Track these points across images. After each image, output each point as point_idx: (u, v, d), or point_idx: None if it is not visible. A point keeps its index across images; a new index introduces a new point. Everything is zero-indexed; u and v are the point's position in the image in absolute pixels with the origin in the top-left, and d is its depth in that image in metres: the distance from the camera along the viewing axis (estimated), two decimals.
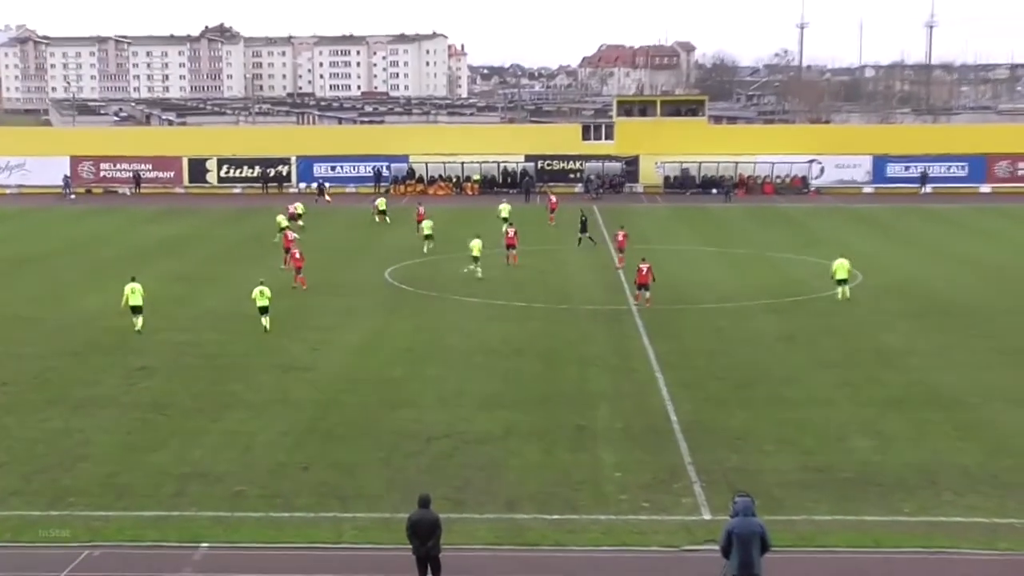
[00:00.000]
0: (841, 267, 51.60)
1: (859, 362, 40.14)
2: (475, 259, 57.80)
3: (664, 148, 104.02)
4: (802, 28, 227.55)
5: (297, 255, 55.60)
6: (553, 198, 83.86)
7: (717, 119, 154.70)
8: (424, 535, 21.82)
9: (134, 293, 45.55)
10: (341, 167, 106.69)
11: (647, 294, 50.04)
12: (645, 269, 50.38)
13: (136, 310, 45.35)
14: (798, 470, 28.95)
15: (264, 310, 45.02)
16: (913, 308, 49.76)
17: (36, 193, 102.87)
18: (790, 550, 23.53)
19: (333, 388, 36.94)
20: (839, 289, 51.37)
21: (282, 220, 70.49)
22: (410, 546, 21.97)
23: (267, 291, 45.41)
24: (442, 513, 25.37)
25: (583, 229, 68.79)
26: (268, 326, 44.87)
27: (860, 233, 74.27)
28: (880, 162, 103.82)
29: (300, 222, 74.56)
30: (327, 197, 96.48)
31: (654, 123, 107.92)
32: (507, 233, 62.87)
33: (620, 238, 62.19)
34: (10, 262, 63.81)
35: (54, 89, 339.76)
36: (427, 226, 67.42)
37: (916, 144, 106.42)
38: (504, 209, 74.17)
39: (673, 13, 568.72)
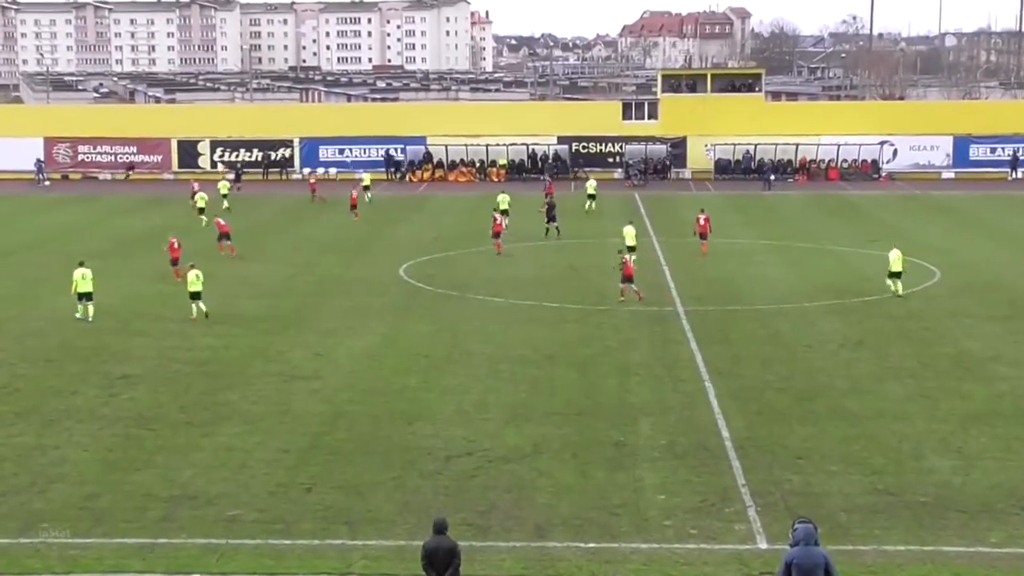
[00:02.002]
0: (897, 259, 51.91)
1: (936, 371, 40.00)
2: (630, 249, 56.80)
3: (715, 128, 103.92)
4: None
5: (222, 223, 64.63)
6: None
7: (775, 95, 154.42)
8: (441, 566, 21.81)
9: (84, 279, 48.32)
10: (350, 150, 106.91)
11: (633, 287, 50.70)
12: (631, 260, 51.94)
13: (85, 296, 48.28)
14: (866, 493, 28.86)
15: (196, 295, 47.97)
16: (998, 310, 49.57)
17: (5, 179, 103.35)
18: None
19: (340, 399, 37.03)
20: (891, 283, 51.78)
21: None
22: None
23: (201, 275, 48.22)
24: (463, 540, 25.45)
25: (550, 218, 69.90)
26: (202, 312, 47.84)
27: (938, 225, 74.10)
28: (962, 143, 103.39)
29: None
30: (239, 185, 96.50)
31: (703, 100, 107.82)
32: (495, 220, 65.19)
33: (701, 222, 63.02)
34: None
35: (25, 62, 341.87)
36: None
37: (1004, 122, 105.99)
38: (503, 200, 74.13)
39: None
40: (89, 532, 26.49)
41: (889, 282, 51.90)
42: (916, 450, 31.97)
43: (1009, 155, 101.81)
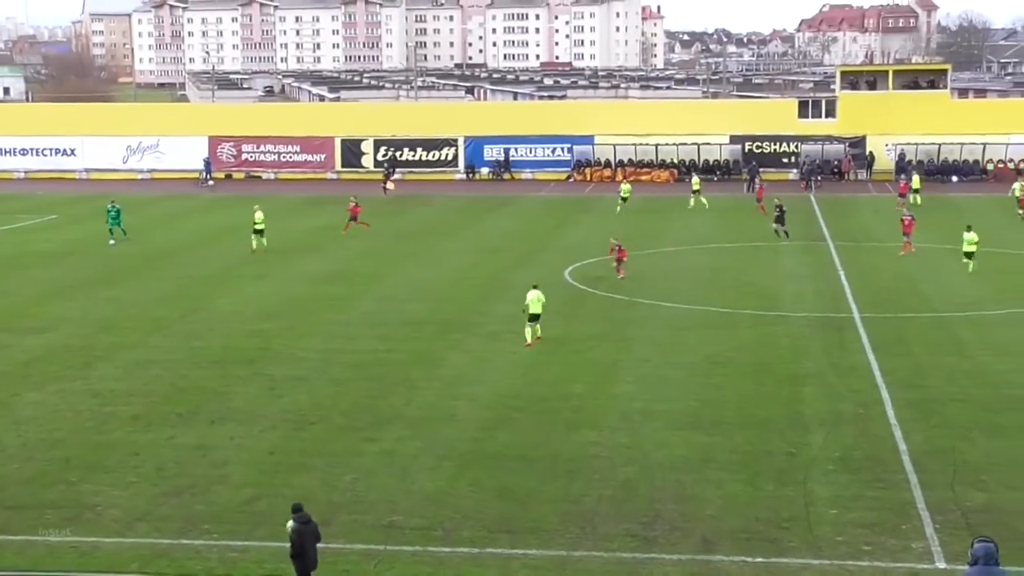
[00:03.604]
0: (969, 240, 56.62)
1: None
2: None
3: (897, 127, 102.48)
4: None
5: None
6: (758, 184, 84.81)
7: (963, 92, 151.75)
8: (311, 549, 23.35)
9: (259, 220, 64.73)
10: (516, 149, 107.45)
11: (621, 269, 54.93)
12: (616, 247, 55.91)
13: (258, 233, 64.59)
14: None
15: (537, 318, 44.54)
16: None
17: (171, 178, 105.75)
18: None
19: (503, 405, 37.26)
20: (966, 263, 56.98)
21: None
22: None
23: (540, 296, 44.53)
24: (627, 552, 25.67)
25: (779, 220, 69.76)
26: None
27: None
28: None
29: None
30: (390, 185, 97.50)
31: (885, 97, 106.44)
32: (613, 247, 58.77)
33: (906, 222, 63.55)
34: (140, 257, 65.75)
35: (192, 60, 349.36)
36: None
37: None
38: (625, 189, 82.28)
39: None
40: (249, 535, 26.99)
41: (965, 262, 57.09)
42: None
43: None
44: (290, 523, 23.40)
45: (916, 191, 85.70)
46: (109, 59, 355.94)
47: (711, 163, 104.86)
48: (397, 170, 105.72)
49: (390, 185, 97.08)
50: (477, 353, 43.79)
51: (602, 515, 28.16)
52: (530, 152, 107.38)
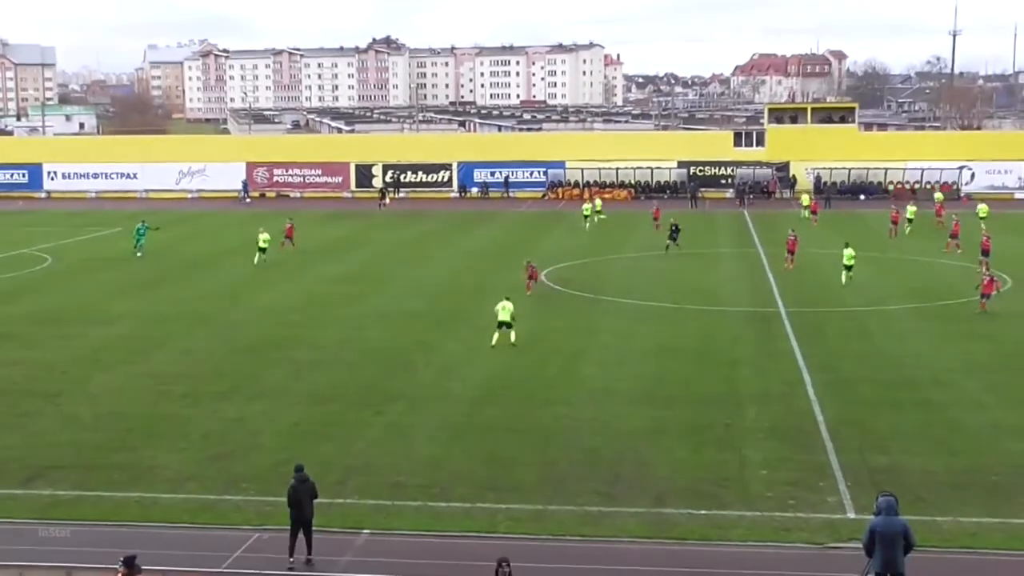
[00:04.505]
0: (848, 255, 54.94)
1: (1011, 366, 39.04)
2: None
3: (815, 155, 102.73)
4: (954, 35, 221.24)
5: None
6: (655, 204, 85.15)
7: (868, 126, 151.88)
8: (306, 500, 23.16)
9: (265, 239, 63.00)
10: (500, 172, 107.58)
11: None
12: (530, 267, 53.97)
13: (262, 251, 62.56)
14: (944, 471, 28.28)
15: (506, 325, 42.41)
16: None
17: (214, 197, 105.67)
18: (935, 550, 23.01)
19: (489, 385, 37.15)
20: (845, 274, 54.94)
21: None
22: None
23: (509, 306, 42.63)
24: (593, 507, 25.67)
25: (673, 237, 66.82)
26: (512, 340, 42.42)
27: (1011, 239, 72.02)
28: None
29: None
30: (387, 201, 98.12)
31: (805, 130, 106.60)
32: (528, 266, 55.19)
33: (791, 240, 61.57)
34: (188, 262, 65.57)
35: (232, 100, 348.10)
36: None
37: None
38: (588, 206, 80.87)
39: (825, 22, 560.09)
40: (280, 492, 26.58)
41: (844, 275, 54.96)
42: (991, 434, 31.27)
43: None
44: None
45: (806, 207, 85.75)
46: (165, 99, 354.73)
47: (662, 184, 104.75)
48: (402, 190, 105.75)
49: (387, 200, 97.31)
50: (468, 342, 43.65)
51: (572, 476, 28.08)
52: (512, 175, 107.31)
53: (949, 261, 62.71)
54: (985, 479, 27.70)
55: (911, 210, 76.05)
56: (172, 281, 58.74)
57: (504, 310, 42.33)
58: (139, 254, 67.64)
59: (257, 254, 63.39)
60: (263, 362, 40.54)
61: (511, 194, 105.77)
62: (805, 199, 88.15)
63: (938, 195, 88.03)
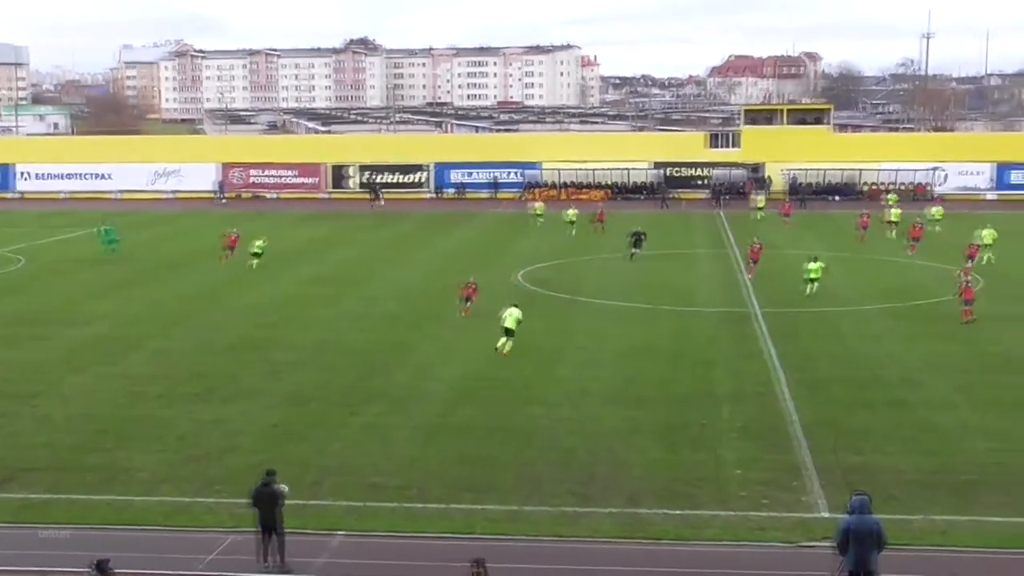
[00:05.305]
0: (815, 269, 52.53)
1: (981, 366, 39.32)
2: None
3: (789, 156, 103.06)
4: (927, 38, 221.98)
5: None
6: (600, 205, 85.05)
7: (842, 127, 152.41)
8: (266, 506, 22.98)
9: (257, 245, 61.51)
10: (477, 173, 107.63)
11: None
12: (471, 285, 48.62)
13: (256, 256, 60.98)
14: (916, 471, 28.47)
15: (509, 332, 41.31)
16: None
17: (190, 198, 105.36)
18: (907, 548, 23.17)
19: (466, 386, 37.19)
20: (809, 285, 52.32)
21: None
22: None
23: (516, 313, 41.65)
24: (569, 507, 25.75)
25: (636, 244, 64.64)
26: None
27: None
28: (1003, 170, 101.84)
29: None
30: (381, 201, 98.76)
31: (779, 131, 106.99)
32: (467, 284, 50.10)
33: (755, 248, 59.98)
34: (164, 263, 65.37)
35: (208, 100, 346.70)
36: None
37: None
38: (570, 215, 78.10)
39: (800, 24, 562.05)
40: None
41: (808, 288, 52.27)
42: (961, 434, 31.50)
43: None
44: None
45: (761, 208, 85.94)
46: (140, 99, 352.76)
47: (638, 184, 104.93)
48: (372, 192, 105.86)
49: (381, 200, 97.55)
50: (444, 343, 43.70)
51: (548, 476, 28.17)
52: (488, 175, 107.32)
53: (921, 262, 63.00)
54: (955, 478, 27.91)
55: (895, 212, 75.80)
56: (147, 282, 58.57)
57: (510, 316, 41.46)
58: (114, 254, 67.29)
59: (252, 260, 62.24)
60: (240, 363, 40.47)
61: (497, 195, 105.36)
62: (760, 200, 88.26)
63: (892, 196, 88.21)
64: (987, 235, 62.12)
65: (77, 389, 37.03)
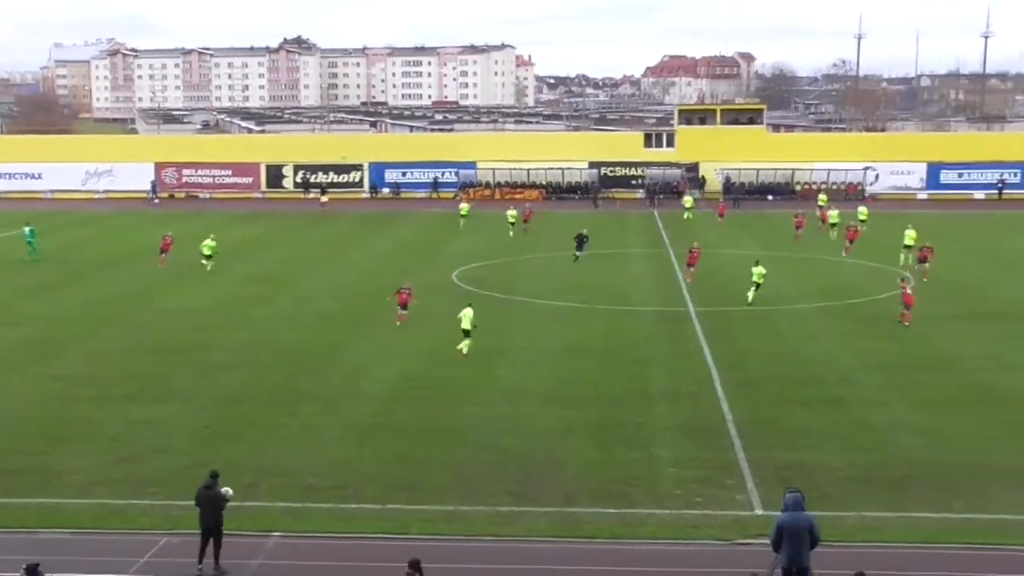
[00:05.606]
0: (758, 273, 50.95)
1: (914, 364, 39.76)
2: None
3: (724, 156, 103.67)
4: (859, 39, 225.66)
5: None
6: (527, 205, 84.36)
7: (776, 127, 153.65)
8: (208, 508, 22.88)
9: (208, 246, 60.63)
10: (412, 173, 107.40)
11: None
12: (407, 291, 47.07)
13: (207, 258, 60.09)
14: (850, 468, 28.74)
15: (466, 333, 41.23)
16: (965, 311, 49.22)
17: (123, 198, 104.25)
18: (839, 544, 23.37)
19: (401, 385, 37.11)
20: (750, 294, 50.73)
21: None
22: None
23: (469, 313, 41.56)
24: (505, 507, 25.70)
25: (579, 246, 63.85)
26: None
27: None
28: (934, 169, 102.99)
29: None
30: (324, 199, 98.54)
31: (714, 131, 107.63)
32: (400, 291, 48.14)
33: (694, 253, 58.15)
34: (98, 264, 64.65)
35: (141, 99, 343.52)
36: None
37: (969, 152, 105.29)
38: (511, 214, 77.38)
39: (734, 25, 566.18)
40: (189, 495, 26.51)
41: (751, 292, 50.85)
42: (893, 431, 31.84)
43: (998, 180, 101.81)
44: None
45: (689, 209, 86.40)
46: (72, 98, 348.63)
47: (573, 184, 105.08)
48: (311, 190, 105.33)
49: (324, 199, 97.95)
50: (379, 343, 43.56)
51: (484, 476, 28.15)
52: (424, 175, 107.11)
53: (852, 260, 63.59)
54: (887, 475, 28.22)
55: (834, 214, 75.75)
56: (80, 282, 57.90)
57: (465, 317, 41.40)
58: (34, 257, 66.22)
59: (204, 262, 61.12)
60: (173, 364, 40.11)
61: (438, 194, 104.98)
62: (688, 201, 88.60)
63: (822, 197, 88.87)
64: (908, 236, 62.44)
65: (8, 391, 36.54)
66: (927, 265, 57.14)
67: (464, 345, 41.12)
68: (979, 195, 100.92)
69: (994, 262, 63.86)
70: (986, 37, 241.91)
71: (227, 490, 23.26)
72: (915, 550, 23.83)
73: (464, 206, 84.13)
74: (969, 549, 23.89)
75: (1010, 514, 25.59)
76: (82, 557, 23.42)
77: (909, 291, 46.95)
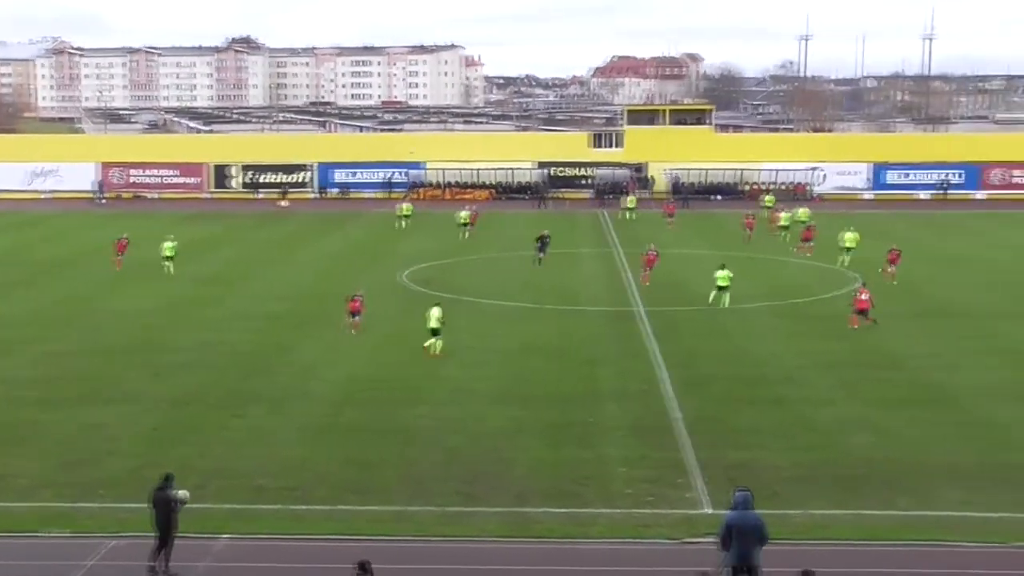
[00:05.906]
0: (723, 277, 50.43)
1: (861, 363, 40.07)
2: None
3: (672, 156, 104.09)
4: (805, 40, 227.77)
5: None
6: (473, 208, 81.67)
7: (723, 127, 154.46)
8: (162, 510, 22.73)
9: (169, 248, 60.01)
10: (360, 173, 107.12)
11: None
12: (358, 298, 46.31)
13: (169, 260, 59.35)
14: (797, 466, 28.94)
15: (434, 332, 41.21)
16: (912, 310, 49.67)
17: (69, 198, 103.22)
18: (787, 542, 23.48)
19: (350, 386, 37.01)
20: (717, 296, 50.40)
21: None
22: None
23: (436, 313, 41.40)
24: (454, 507, 25.68)
25: (541, 248, 63.08)
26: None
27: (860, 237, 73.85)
28: (879, 170, 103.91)
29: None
30: (283, 202, 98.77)
31: (662, 131, 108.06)
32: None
33: (651, 256, 57.65)
34: (44, 265, 64.02)
35: (87, 98, 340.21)
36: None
37: (913, 152, 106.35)
38: (462, 215, 76.24)
39: (682, 26, 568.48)
40: (138, 498, 26.31)
41: (714, 295, 50.43)
42: (841, 430, 32.07)
43: (941, 180, 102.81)
44: None
45: (631, 209, 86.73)
46: (16, 97, 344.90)
47: (522, 184, 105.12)
48: (260, 190, 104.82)
49: (283, 203, 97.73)
50: (329, 343, 43.41)
51: (433, 476, 28.13)
52: (372, 175, 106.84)
53: (803, 261, 64.06)
54: (833, 472, 28.45)
55: (785, 216, 75.70)
56: (25, 284, 57.31)
57: (432, 317, 41.21)
58: None
59: (165, 264, 60.16)
60: (121, 366, 39.81)
61: (392, 194, 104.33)
62: (631, 201, 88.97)
63: (769, 198, 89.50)
64: (849, 238, 62.40)
65: None
66: (893, 268, 57.24)
67: (432, 344, 40.95)
68: (923, 195, 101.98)
69: (939, 261, 64.46)
70: (929, 39, 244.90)
71: (184, 493, 23.05)
72: (862, 547, 24.03)
73: (407, 206, 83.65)
74: (915, 546, 24.11)
75: (955, 511, 25.86)
76: (28, 561, 23.21)
77: (864, 297, 46.10)
